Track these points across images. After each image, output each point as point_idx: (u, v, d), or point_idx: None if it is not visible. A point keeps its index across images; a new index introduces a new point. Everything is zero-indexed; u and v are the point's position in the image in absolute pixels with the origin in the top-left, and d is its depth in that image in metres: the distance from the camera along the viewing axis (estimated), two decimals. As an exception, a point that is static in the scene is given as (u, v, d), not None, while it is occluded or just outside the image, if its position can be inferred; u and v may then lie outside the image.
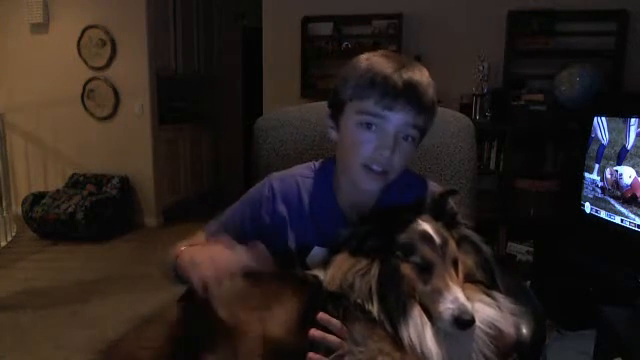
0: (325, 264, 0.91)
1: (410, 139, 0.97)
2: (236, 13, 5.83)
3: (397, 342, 0.77)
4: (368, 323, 0.79)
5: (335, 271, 0.86)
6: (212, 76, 5.84)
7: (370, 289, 0.80)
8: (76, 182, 4.64)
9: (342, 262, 0.86)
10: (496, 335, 0.81)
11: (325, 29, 4.15)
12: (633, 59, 3.50)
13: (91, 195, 4.36)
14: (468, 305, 0.77)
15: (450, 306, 0.77)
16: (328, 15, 4.10)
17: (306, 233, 1.05)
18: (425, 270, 0.81)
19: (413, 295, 0.80)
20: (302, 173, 1.11)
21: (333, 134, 1.06)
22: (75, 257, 3.93)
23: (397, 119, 0.95)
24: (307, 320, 0.82)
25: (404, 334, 0.77)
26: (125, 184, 4.63)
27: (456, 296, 0.78)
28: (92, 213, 4.20)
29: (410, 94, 0.93)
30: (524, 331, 0.99)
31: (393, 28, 3.96)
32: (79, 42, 4.62)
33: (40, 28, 4.68)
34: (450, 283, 0.80)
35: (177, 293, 1.04)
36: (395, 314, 0.78)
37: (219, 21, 5.88)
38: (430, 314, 0.79)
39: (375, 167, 0.97)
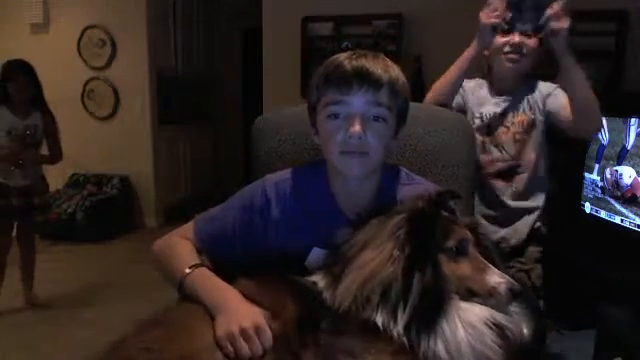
0: (326, 267, 0.90)
1: (381, 120, 0.99)
2: (236, 13, 5.83)
3: (397, 353, 0.76)
4: (366, 336, 0.78)
5: (352, 281, 0.82)
6: (212, 76, 5.84)
7: (396, 302, 0.78)
8: (76, 182, 4.64)
9: (364, 266, 0.83)
10: (509, 331, 0.82)
11: (325, 29, 4.15)
12: (633, 59, 3.50)
13: (91, 195, 4.36)
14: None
15: (501, 280, 0.81)
16: (328, 15, 4.10)
17: (304, 235, 1.05)
18: (460, 253, 0.83)
19: (451, 292, 0.81)
20: (297, 175, 1.11)
21: (316, 138, 1.09)
22: (75, 257, 3.93)
23: (356, 100, 0.98)
24: (303, 331, 0.81)
25: (438, 344, 0.76)
26: (125, 184, 4.63)
27: (498, 272, 0.81)
28: (92, 213, 4.20)
29: (361, 76, 0.97)
30: (525, 330, 0.99)
31: (393, 28, 3.96)
32: (79, 42, 4.62)
33: (40, 28, 4.68)
34: (484, 261, 0.83)
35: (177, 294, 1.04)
36: (429, 324, 0.77)
37: (219, 21, 5.88)
38: (469, 296, 0.81)
39: (351, 150, 0.98)
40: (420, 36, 3.90)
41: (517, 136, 1.71)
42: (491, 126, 1.72)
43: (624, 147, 2.39)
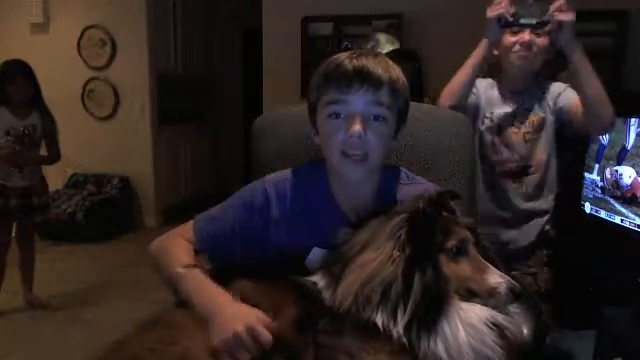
0: (326, 267, 0.90)
1: (381, 119, 0.99)
2: (236, 13, 5.83)
3: (395, 353, 0.76)
4: (365, 336, 0.78)
5: (352, 281, 0.82)
6: (212, 76, 5.84)
7: (397, 303, 0.78)
8: (76, 182, 4.64)
9: (364, 266, 0.83)
10: (509, 332, 0.82)
11: (325, 29, 4.15)
12: (633, 59, 3.50)
13: (91, 195, 4.37)
14: None
15: (501, 280, 0.81)
16: (328, 15, 4.11)
17: (304, 235, 1.04)
18: (460, 254, 0.82)
19: (451, 292, 0.80)
20: (297, 175, 1.11)
21: (317, 138, 1.08)
22: (75, 257, 3.94)
23: (357, 100, 0.97)
24: (303, 331, 0.81)
25: (438, 345, 0.75)
26: (125, 184, 4.63)
27: (498, 272, 0.81)
28: (92, 213, 4.20)
29: (362, 75, 0.97)
30: (525, 331, 0.99)
31: (393, 28, 3.96)
32: (79, 42, 4.63)
33: (40, 28, 4.68)
34: (485, 261, 0.82)
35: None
36: (429, 324, 0.76)
37: (219, 21, 5.88)
38: (469, 296, 0.80)
39: (352, 152, 0.98)
40: (420, 36, 3.90)
41: (527, 136, 1.69)
42: (501, 126, 1.70)
43: (624, 147, 2.39)
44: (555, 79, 1.75)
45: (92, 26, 4.58)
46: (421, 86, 3.82)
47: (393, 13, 3.93)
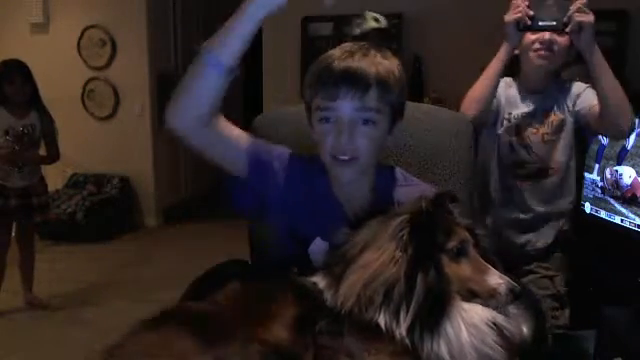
0: (327, 267, 0.90)
1: (371, 123, 0.98)
2: (236, 13, 5.83)
3: (397, 354, 0.76)
4: (366, 337, 0.77)
5: (354, 281, 0.81)
6: (212, 76, 5.84)
7: (399, 303, 0.77)
8: (76, 182, 4.64)
9: (366, 266, 0.82)
10: (508, 331, 0.82)
11: (325, 29, 4.15)
12: (633, 59, 3.50)
13: (91, 195, 4.36)
14: None
15: (500, 281, 0.81)
16: (328, 15, 4.10)
17: (305, 223, 1.05)
18: (460, 254, 0.82)
19: (454, 293, 0.80)
20: (300, 162, 1.11)
21: (314, 135, 1.08)
22: (75, 257, 3.93)
23: (344, 107, 0.97)
24: (304, 332, 0.80)
25: (441, 346, 0.75)
26: (125, 184, 4.63)
27: (498, 273, 0.81)
28: (92, 213, 4.20)
29: (349, 80, 0.95)
30: (525, 330, 0.99)
31: (393, 28, 3.95)
32: (79, 42, 4.63)
33: (40, 28, 4.68)
34: (484, 262, 0.83)
35: (178, 294, 1.03)
36: (432, 325, 0.76)
37: (219, 21, 5.87)
38: (470, 297, 0.80)
39: (341, 157, 0.98)
40: (420, 36, 3.90)
41: (546, 137, 1.65)
42: (520, 126, 1.66)
43: (624, 147, 2.39)
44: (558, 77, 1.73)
45: (92, 26, 4.58)
46: (421, 86, 3.84)
47: (393, 13, 3.92)
